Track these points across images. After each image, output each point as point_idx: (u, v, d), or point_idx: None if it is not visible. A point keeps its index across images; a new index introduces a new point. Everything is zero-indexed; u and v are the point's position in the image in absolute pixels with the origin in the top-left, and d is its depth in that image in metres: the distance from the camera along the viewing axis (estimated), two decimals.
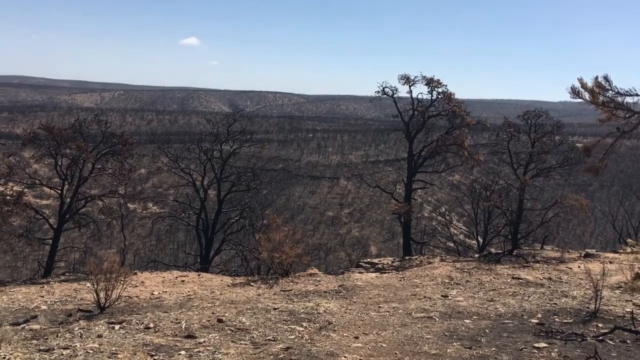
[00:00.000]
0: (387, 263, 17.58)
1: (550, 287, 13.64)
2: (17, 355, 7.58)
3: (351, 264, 22.40)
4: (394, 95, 23.64)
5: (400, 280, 14.66)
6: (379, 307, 11.38)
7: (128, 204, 22.08)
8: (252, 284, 14.54)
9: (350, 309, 11.17)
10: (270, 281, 14.74)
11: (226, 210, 24.14)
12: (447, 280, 14.37)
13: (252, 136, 25.96)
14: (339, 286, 13.78)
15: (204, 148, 23.24)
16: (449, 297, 12.18)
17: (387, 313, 10.81)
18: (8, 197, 16.10)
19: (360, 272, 15.90)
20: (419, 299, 12.11)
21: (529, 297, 12.33)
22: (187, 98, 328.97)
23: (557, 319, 10.19)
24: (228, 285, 14.50)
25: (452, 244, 31.47)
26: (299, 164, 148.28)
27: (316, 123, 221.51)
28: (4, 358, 7.44)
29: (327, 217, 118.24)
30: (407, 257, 19.18)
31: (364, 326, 9.79)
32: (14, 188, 16.70)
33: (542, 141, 20.22)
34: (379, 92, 23.53)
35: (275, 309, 11.04)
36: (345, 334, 9.21)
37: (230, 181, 23.62)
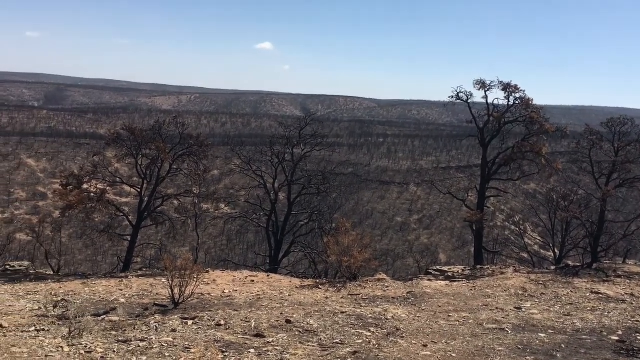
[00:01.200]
0: (458, 272, 17.20)
1: (632, 303, 12.92)
2: (98, 345, 7.96)
3: (420, 271, 22.05)
4: (469, 101, 23.13)
5: (471, 289, 14.30)
6: (449, 315, 11.16)
7: (201, 204, 22.69)
8: (320, 286, 14.61)
9: (418, 317, 11.01)
10: (338, 285, 14.76)
11: (296, 212, 24.38)
12: (520, 292, 13.90)
13: (323, 140, 26.08)
14: (408, 293, 13.61)
15: (276, 151, 23.60)
16: (523, 309, 11.77)
17: (457, 322, 10.57)
18: (92, 194, 16.93)
19: (429, 280, 15.64)
20: (490, 309, 11.78)
21: (609, 313, 11.73)
22: (260, 101, 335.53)
23: (639, 337, 9.63)
24: (296, 287, 14.64)
25: (525, 255, 30.37)
26: (369, 168, 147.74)
27: (387, 128, 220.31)
28: (85, 347, 7.83)
29: (395, 223, 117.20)
30: (478, 267, 18.70)
31: (432, 334, 9.63)
32: (98, 186, 17.54)
33: (626, 150, 19.19)
34: (453, 97, 23.10)
35: (343, 312, 11.05)
36: (413, 342, 9.08)
37: (300, 184, 23.85)
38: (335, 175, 26.26)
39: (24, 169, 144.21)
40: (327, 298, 13.01)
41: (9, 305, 11.07)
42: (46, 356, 7.33)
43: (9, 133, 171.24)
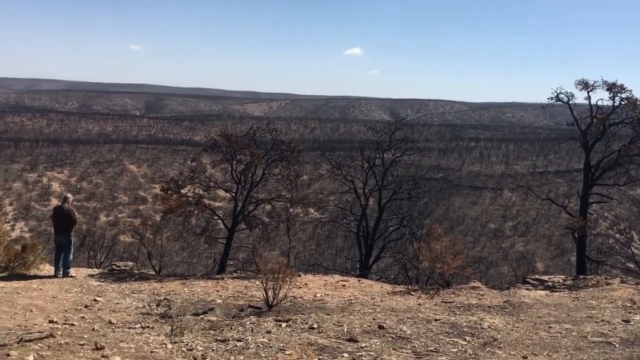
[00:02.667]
0: (558, 281, 16.36)
1: None
2: (198, 343, 8.27)
3: (517, 279, 21.21)
4: (570, 102, 22.05)
5: (574, 300, 13.56)
6: (550, 327, 10.63)
7: (291, 209, 23.06)
8: (412, 293, 14.40)
9: (517, 327, 10.58)
10: (431, 291, 14.48)
11: (386, 218, 24.26)
12: (629, 304, 13.00)
13: (414, 144, 25.83)
14: (505, 302, 13.11)
15: (366, 155, 23.62)
16: (632, 323, 11.00)
17: (559, 334, 10.05)
18: (191, 199, 17.68)
19: (527, 289, 14.98)
20: (595, 321, 11.10)
21: None
22: (348, 106, 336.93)
23: None
24: (388, 293, 14.51)
25: (632, 265, 28.45)
26: (460, 173, 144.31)
27: (479, 131, 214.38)
28: (187, 345, 8.16)
29: (488, 230, 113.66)
30: (581, 276, 17.70)
31: (532, 346, 9.21)
32: (196, 190, 18.29)
33: None
34: (552, 98, 22.09)
35: (436, 320, 10.82)
36: (512, 353, 8.74)
37: (391, 189, 23.72)
38: (425, 181, 25.87)
39: (126, 175, 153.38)
40: (419, 305, 12.80)
41: (116, 303, 11.74)
42: (151, 352, 7.70)
43: (114, 140, 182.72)
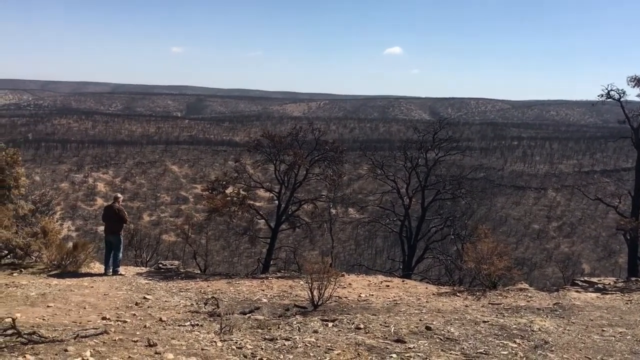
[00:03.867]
0: (609, 283, 15.89)
1: None
2: (247, 342, 8.35)
3: (565, 281, 20.71)
4: (621, 99, 21.39)
5: (627, 303, 13.15)
6: (602, 330, 10.34)
7: (333, 209, 23.09)
8: (458, 294, 14.22)
9: (568, 330, 10.32)
10: (477, 293, 14.27)
11: (429, 218, 24.03)
12: None
13: (457, 144, 25.51)
14: (554, 304, 12.81)
15: (409, 155, 23.45)
16: None
17: (613, 338, 9.77)
18: (235, 199, 17.90)
19: (577, 291, 14.60)
20: None
21: None
22: (388, 106, 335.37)
23: None
24: (433, 294, 14.37)
25: None
26: (502, 173, 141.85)
27: (522, 130, 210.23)
28: (236, 343, 8.25)
29: (532, 230, 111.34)
30: (633, 279, 17.16)
31: (585, 349, 8.97)
32: (240, 191, 18.50)
33: None
34: (602, 95, 21.45)
35: (484, 322, 10.65)
36: (565, 356, 8.53)
37: (434, 189, 23.49)
38: (467, 180, 25.54)
39: (168, 175, 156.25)
40: (466, 306, 12.62)
41: (165, 301, 11.97)
42: (202, 349, 7.81)
43: (156, 141, 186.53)
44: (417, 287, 15.50)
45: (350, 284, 15.37)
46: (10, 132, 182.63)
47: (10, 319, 7.70)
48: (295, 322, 10.05)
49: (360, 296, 13.76)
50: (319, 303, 11.76)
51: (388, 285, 15.51)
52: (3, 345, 7.11)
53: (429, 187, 23.61)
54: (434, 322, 10.41)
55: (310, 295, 11.89)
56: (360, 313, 11.30)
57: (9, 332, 7.54)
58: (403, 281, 16.61)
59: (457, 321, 10.66)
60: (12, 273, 14.34)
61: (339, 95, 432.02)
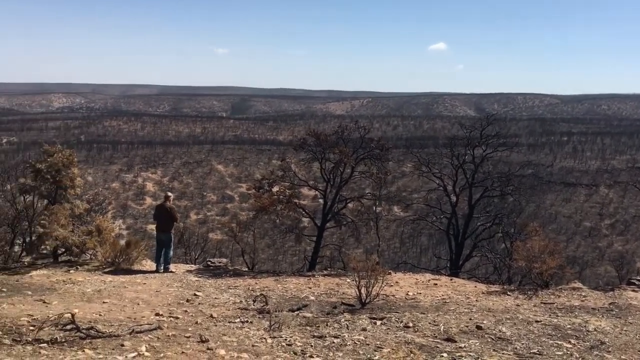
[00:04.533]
0: None
1: None
2: (296, 339, 8.41)
3: (620, 280, 20.04)
4: None
5: None
6: None
7: (379, 207, 23.00)
8: (508, 293, 13.95)
9: (626, 330, 9.99)
10: (529, 292, 13.96)
11: (477, 216, 23.64)
12: None
13: (505, 140, 25.01)
14: (610, 304, 12.42)
15: (456, 152, 23.12)
16: None
17: None
18: (281, 197, 18.04)
19: (634, 290, 14.10)
20: None
21: None
22: (431, 103, 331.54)
23: None
24: (482, 293, 14.14)
25: None
26: (551, 169, 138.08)
27: (572, 125, 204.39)
28: (285, 340, 8.32)
29: (583, 228, 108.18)
30: None
31: None
32: (286, 189, 18.63)
33: None
34: None
35: (537, 321, 10.41)
36: (623, 357, 8.26)
37: (481, 186, 23.09)
38: (516, 177, 25.00)
39: (214, 174, 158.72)
40: (518, 305, 12.37)
41: (215, 298, 12.18)
42: (252, 346, 7.91)
43: (202, 141, 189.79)
44: (466, 286, 15.29)
45: (397, 282, 15.28)
46: (65, 134, 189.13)
47: (69, 315, 7.98)
48: (343, 320, 10.06)
49: (407, 294, 13.67)
50: (366, 301, 11.74)
51: (436, 284, 15.36)
52: (63, 340, 7.38)
53: (476, 184, 23.21)
54: (485, 322, 10.24)
55: (357, 293, 11.87)
56: (409, 311, 11.22)
57: (68, 327, 7.82)
58: (451, 279, 16.42)
59: (508, 320, 10.47)
60: (69, 270, 14.86)
61: (382, 92, 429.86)
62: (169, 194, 16.59)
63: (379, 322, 9.98)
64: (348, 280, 14.74)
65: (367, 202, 20.32)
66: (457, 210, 23.73)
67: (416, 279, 16.16)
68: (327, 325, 9.67)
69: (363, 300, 11.78)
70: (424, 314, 10.98)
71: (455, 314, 11.12)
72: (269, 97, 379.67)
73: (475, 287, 15.22)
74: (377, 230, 20.58)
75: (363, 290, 11.82)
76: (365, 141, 19.33)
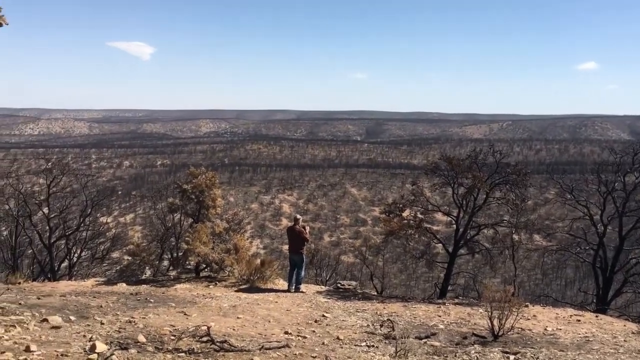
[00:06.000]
0: None
1: None
2: None
3: None
4: None
5: None
6: None
7: (513, 235, 21.86)
8: None
9: None
10: None
11: (628, 248, 21.59)
12: None
13: None
14: None
15: (604, 179, 21.38)
16: None
17: None
18: (411, 222, 17.83)
19: None
20: None
21: None
22: (579, 126, 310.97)
23: None
24: (633, 332, 12.83)
25: None
26: None
27: None
28: None
29: None
30: None
31: None
32: (417, 214, 18.40)
33: None
34: None
35: None
36: None
37: (634, 216, 21.07)
38: None
39: (348, 197, 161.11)
40: None
41: (342, 320, 12.26)
42: None
43: (337, 165, 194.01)
44: (613, 324, 13.97)
45: (534, 315, 14.37)
46: (210, 157, 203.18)
47: (205, 327, 8.47)
48: (473, 352, 9.66)
49: (546, 329, 12.78)
50: (499, 333, 11.15)
51: (579, 320, 14.21)
52: (199, 351, 7.84)
53: (628, 213, 21.24)
54: None
55: (490, 324, 11.32)
56: (546, 348, 10.48)
57: (204, 339, 8.30)
58: (596, 316, 15.10)
59: None
60: (209, 285, 15.81)
61: (523, 115, 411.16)
62: (298, 216, 17.09)
63: (512, 357, 9.44)
64: (481, 310, 14.13)
65: (504, 230, 19.41)
66: (606, 242, 21.85)
67: (557, 313, 15.08)
68: (455, 355, 9.34)
69: (495, 333, 11.21)
70: (563, 351, 10.20)
71: (599, 353, 10.20)
72: (404, 120, 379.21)
73: (625, 325, 13.86)
74: (513, 260, 19.53)
75: (496, 322, 11.24)
76: (501, 166, 18.56)
